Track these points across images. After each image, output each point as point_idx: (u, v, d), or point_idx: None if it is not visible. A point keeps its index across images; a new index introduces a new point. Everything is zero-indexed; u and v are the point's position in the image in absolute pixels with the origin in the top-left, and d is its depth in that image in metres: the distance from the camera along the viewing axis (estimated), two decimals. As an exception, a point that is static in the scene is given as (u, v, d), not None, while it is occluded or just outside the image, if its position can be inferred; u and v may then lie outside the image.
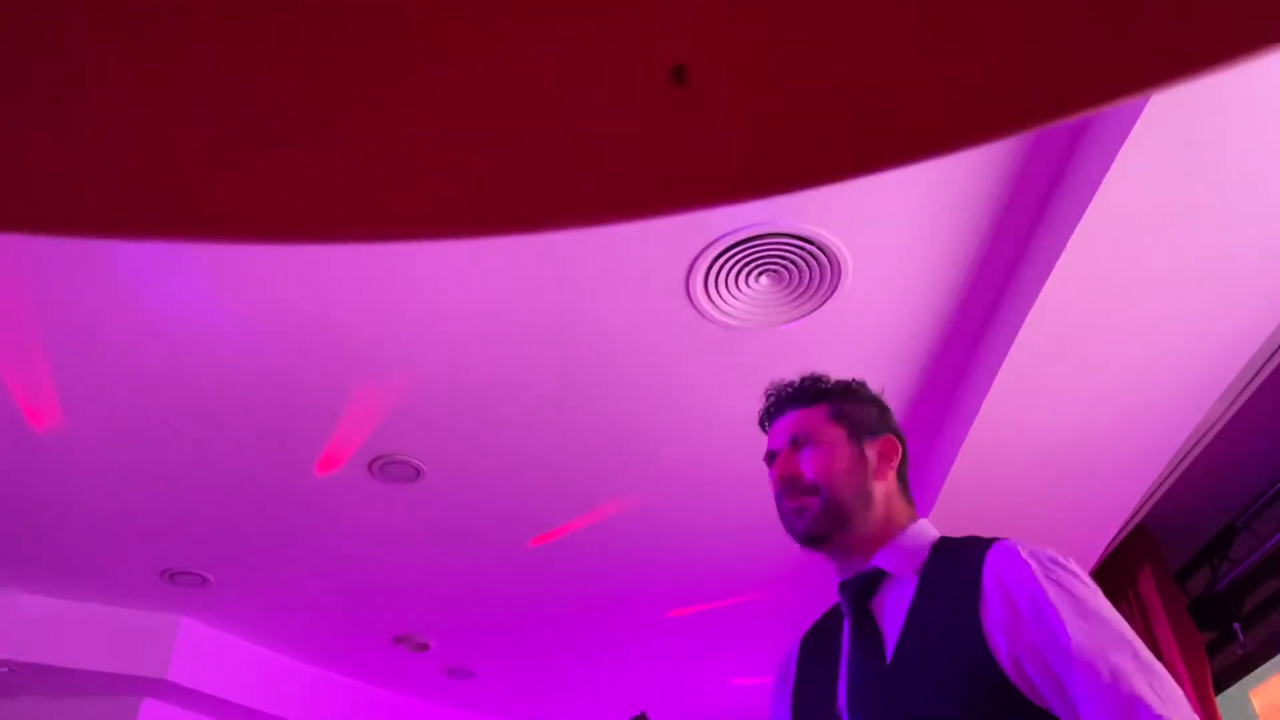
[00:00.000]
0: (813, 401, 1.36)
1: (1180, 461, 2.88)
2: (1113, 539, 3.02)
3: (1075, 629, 1.07)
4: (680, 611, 3.82)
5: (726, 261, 2.21)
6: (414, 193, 0.55)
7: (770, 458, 1.37)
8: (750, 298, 2.33)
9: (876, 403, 1.40)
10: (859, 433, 1.33)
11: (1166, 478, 2.95)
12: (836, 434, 1.32)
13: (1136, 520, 3.17)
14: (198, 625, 3.95)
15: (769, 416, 1.40)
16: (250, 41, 0.47)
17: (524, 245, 2.18)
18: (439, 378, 2.58)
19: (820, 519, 1.27)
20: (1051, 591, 1.10)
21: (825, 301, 2.32)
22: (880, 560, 1.27)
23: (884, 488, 1.32)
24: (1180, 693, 1.03)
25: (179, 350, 2.47)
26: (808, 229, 2.14)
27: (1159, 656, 3.22)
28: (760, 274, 2.26)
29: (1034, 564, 1.14)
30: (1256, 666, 3.08)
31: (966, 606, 1.14)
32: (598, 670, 4.33)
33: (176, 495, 3.08)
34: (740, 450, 2.85)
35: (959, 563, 1.21)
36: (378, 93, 0.50)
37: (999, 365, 2.31)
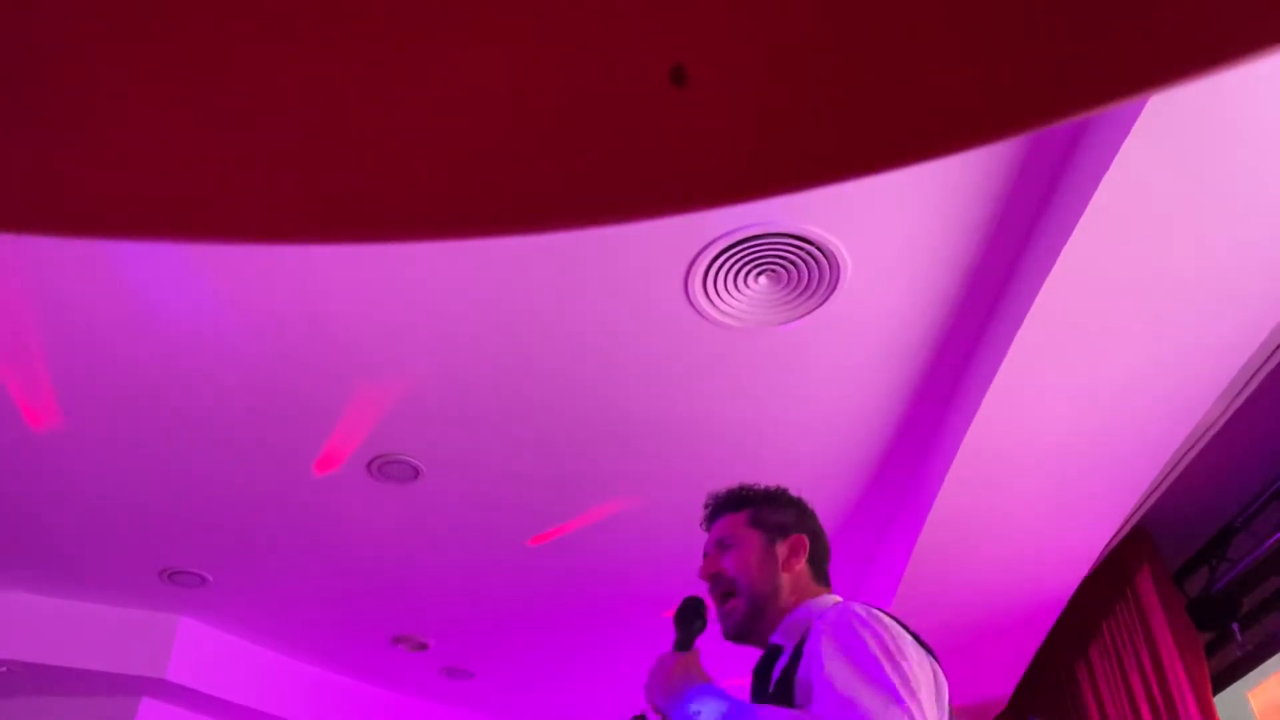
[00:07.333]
0: (737, 508, 1.58)
1: (1179, 461, 2.88)
2: (1111, 539, 3.02)
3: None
4: (679, 611, 3.82)
5: (725, 261, 2.21)
6: (413, 193, 0.55)
7: (704, 558, 1.58)
8: (749, 298, 2.33)
9: (796, 505, 1.61)
10: (773, 534, 1.55)
11: (1165, 478, 2.95)
12: (753, 536, 1.54)
13: (1135, 520, 3.17)
14: (197, 625, 3.95)
15: (706, 523, 1.63)
16: (245, 39, 0.47)
17: (523, 245, 2.18)
18: (438, 378, 2.57)
19: (743, 622, 1.51)
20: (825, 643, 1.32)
21: (824, 301, 2.32)
22: (775, 638, 1.49)
23: (790, 579, 1.52)
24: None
25: (178, 350, 2.47)
26: (807, 229, 2.14)
27: (1157, 657, 3.20)
28: (759, 274, 2.26)
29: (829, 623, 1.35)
30: (1255, 667, 3.08)
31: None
32: (597, 670, 4.33)
33: (176, 495, 3.08)
34: (740, 450, 2.85)
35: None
36: (374, 91, 0.50)
37: (998, 365, 2.30)
